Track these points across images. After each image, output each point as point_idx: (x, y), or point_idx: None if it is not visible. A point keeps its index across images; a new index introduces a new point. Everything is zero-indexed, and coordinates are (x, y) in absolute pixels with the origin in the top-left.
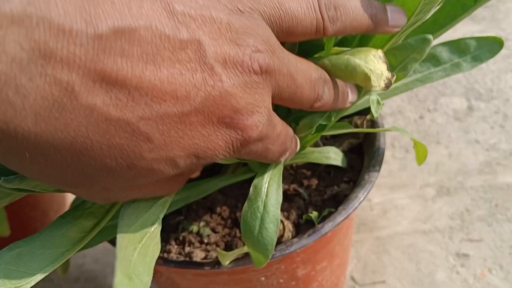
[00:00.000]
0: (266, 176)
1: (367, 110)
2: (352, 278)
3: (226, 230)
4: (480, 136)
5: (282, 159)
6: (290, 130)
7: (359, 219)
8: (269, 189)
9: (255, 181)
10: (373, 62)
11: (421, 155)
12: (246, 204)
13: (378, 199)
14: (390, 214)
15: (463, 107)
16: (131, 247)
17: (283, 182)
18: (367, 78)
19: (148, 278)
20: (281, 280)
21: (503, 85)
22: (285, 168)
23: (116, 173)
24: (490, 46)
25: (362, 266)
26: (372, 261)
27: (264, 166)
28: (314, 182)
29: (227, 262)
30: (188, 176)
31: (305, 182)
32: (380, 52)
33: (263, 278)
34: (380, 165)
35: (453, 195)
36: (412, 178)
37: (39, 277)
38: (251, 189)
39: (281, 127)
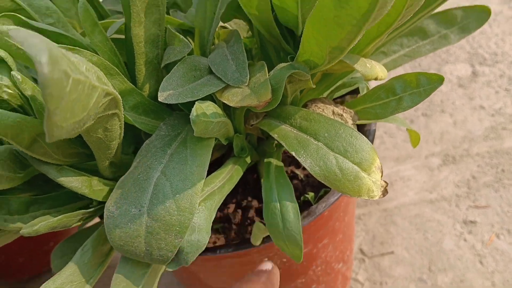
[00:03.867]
0: (272, 176)
1: (355, 87)
2: (361, 250)
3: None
4: (485, 101)
5: None
6: None
7: None
8: (278, 184)
9: (263, 185)
10: (375, 174)
11: (414, 139)
12: (264, 208)
13: (384, 171)
14: (397, 185)
15: (467, 73)
16: None
17: None
18: (369, 190)
19: None
20: (284, 260)
21: (508, 48)
22: (273, 146)
23: None
24: (477, 15)
25: (371, 238)
26: (380, 233)
27: (267, 167)
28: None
29: (259, 242)
30: None
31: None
32: (378, 162)
33: (266, 259)
34: (371, 143)
35: (459, 163)
36: (417, 149)
37: None
38: (263, 194)
39: None
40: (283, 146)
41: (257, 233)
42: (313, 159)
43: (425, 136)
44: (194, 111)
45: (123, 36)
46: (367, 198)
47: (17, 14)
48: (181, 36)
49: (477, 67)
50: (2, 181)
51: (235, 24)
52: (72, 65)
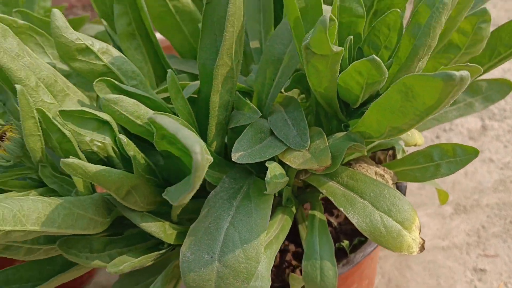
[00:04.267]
0: (315, 231)
1: (389, 147)
2: None
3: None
4: (494, 155)
5: None
6: None
7: None
8: (321, 241)
9: (307, 238)
10: (414, 232)
11: (442, 198)
12: (304, 258)
13: None
14: None
15: (477, 127)
16: None
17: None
18: (410, 247)
19: None
20: None
21: None
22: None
23: None
24: (500, 87)
25: (386, 281)
26: (395, 276)
27: (311, 220)
28: (342, 212)
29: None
30: None
31: (335, 212)
32: (418, 222)
33: None
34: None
35: (470, 213)
36: (431, 197)
37: None
38: (304, 246)
39: None
40: (321, 196)
41: (294, 284)
42: (360, 216)
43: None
44: (268, 174)
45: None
46: (406, 253)
47: (110, 79)
48: (251, 104)
49: (487, 121)
50: (97, 226)
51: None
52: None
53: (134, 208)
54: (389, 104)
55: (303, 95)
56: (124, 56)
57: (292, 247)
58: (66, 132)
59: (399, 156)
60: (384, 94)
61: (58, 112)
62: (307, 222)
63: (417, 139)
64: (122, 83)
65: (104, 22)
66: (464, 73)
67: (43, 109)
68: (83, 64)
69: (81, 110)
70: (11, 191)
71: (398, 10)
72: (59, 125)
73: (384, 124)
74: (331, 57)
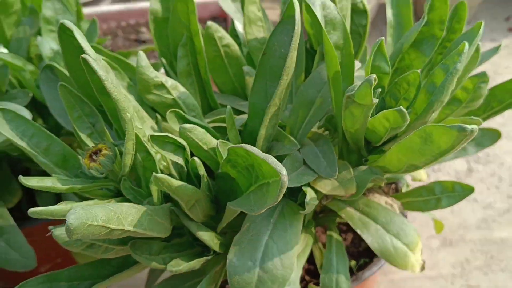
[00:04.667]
0: (333, 249)
1: (393, 181)
2: None
3: None
4: (478, 195)
5: None
6: None
7: None
8: (338, 258)
9: (325, 255)
10: (418, 254)
11: (438, 228)
12: (322, 271)
13: None
14: None
15: (463, 169)
16: None
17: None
18: (413, 266)
19: None
20: None
21: (498, 151)
22: (335, 222)
23: None
24: (491, 135)
25: None
26: None
27: (329, 240)
28: (350, 236)
29: None
30: None
31: (343, 236)
32: (420, 245)
33: None
34: None
35: (455, 246)
36: (420, 230)
37: None
38: (323, 261)
39: None
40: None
41: None
42: (374, 238)
43: (427, 221)
44: (308, 196)
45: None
46: (410, 271)
47: (179, 110)
48: (291, 138)
49: (472, 164)
50: (166, 231)
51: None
52: None
53: (194, 218)
54: (410, 145)
55: (326, 132)
56: (187, 91)
57: (305, 265)
58: (152, 152)
59: (404, 189)
60: (407, 137)
61: (149, 136)
62: (319, 243)
63: (422, 175)
64: (185, 114)
65: (164, 61)
66: (474, 127)
67: (137, 133)
68: (156, 97)
69: (166, 135)
70: (94, 199)
71: (418, 71)
72: (148, 146)
73: (403, 161)
74: (368, 106)
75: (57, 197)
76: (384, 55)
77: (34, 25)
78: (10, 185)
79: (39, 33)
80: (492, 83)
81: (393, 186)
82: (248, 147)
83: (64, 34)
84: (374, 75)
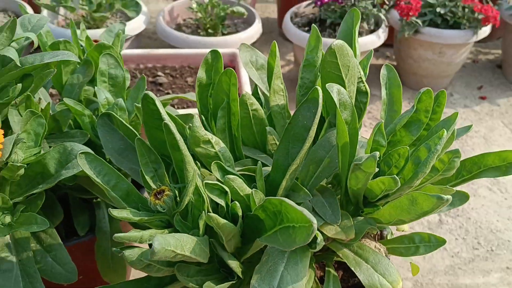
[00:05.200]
0: (330, 281)
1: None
2: None
3: None
4: (447, 245)
5: None
6: None
7: None
8: None
9: (324, 286)
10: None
11: (414, 271)
12: None
13: None
14: None
15: (435, 220)
16: None
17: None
18: None
19: None
20: None
21: (466, 206)
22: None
23: None
24: (461, 197)
25: None
26: None
27: (328, 275)
28: (340, 273)
29: None
30: None
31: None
32: (401, 284)
33: None
34: None
35: None
36: None
37: None
38: None
39: None
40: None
41: None
42: (365, 275)
43: (402, 264)
44: (318, 238)
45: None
46: None
47: (220, 162)
48: (306, 189)
49: (443, 216)
50: (207, 257)
51: None
52: None
53: (228, 250)
54: (400, 205)
55: (329, 185)
56: (225, 146)
57: None
58: (204, 195)
59: (389, 237)
60: (398, 198)
61: (203, 183)
62: (316, 278)
63: (405, 226)
64: (224, 164)
65: (203, 118)
66: (449, 197)
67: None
68: (203, 149)
69: (216, 183)
70: (151, 228)
71: (407, 147)
72: (201, 190)
73: (394, 216)
74: (370, 173)
75: (91, 222)
76: (382, 133)
77: (86, 74)
78: (55, 209)
79: (90, 81)
80: (463, 144)
81: (378, 233)
82: (285, 199)
83: (145, 100)
84: (378, 153)
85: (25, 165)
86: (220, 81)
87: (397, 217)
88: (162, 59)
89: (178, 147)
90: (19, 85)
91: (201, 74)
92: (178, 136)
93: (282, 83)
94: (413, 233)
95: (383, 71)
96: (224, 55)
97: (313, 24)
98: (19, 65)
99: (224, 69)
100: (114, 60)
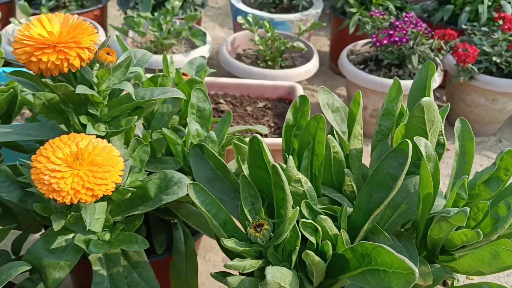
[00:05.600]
0: None
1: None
2: None
3: None
4: None
5: None
6: None
7: None
8: None
9: None
10: None
11: None
12: None
13: None
14: None
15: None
16: None
17: None
18: None
19: None
20: None
21: None
22: None
23: None
24: None
25: None
26: None
27: None
28: None
29: None
30: None
31: None
32: None
33: None
34: None
35: None
36: None
37: None
38: None
39: None
40: None
41: None
42: None
43: None
44: None
45: None
46: None
47: (309, 201)
48: (386, 233)
49: None
50: None
51: None
52: None
53: (314, 284)
54: (481, 257)
55: (402, 229)
56: (312, 186)
57: None
58: (298, 232)
59: (455, 284)
60: (480, 251)
61: (301, 221)
62: None
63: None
64: (311, 203)
65: (286, 155)
66: None
67: None
68: (293, 188)
69: (310, 222)
70: (247, 258)
71: (488, 202)
72: (297, 228)
73: (473, 267)
74: (456, 225)
75: (168, 243)
76: (465, 188)
77: (176, 105)
78: (140, 228)
79: (179, 111)
80: None
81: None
82: (383, 245)
83: (252, 142)
84: (468, 209)
85: (135, 189)
86: (308, 124)
87: (476, 269)
88: (225, 87)
89: (283, 187)
90: (135, 118)
91: (289, 116)
92: (284, 178)
93: (361, 129)
94: (481, 282)
95: (457, 124)
96: (283, 88)
97: (395, 77)
98: (135, 99)
99: (283, 100)
100: (203, 94)
